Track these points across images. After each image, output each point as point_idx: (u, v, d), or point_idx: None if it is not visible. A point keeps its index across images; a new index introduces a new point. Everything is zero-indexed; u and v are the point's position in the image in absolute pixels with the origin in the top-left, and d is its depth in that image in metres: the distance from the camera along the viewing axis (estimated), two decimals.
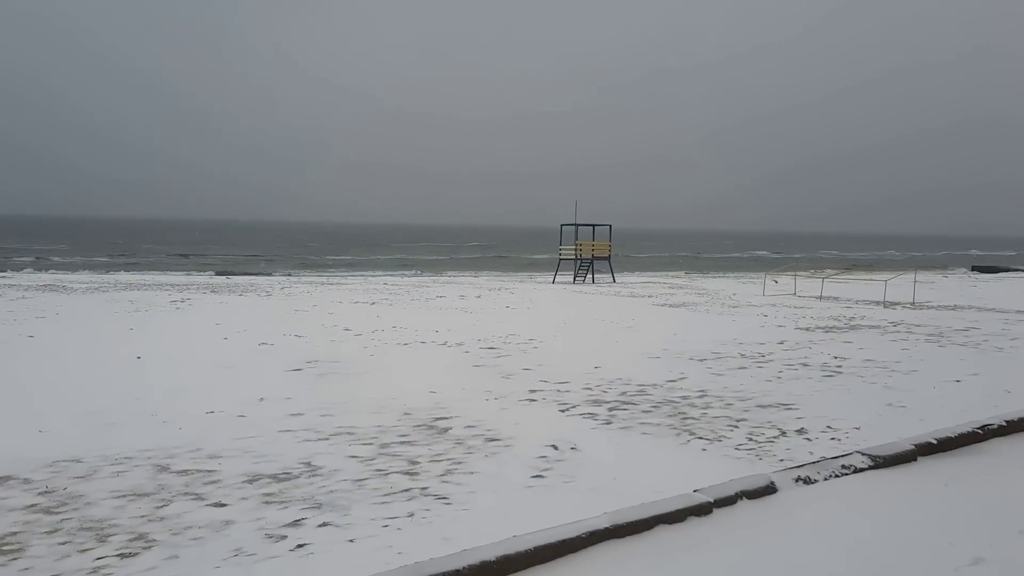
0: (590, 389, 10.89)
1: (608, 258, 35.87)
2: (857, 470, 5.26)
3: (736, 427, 8.74)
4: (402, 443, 7.86)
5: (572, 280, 35.11)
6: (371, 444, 7.78)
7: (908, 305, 24.64)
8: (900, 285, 30.82)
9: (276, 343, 14.73)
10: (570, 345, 15.22)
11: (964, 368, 12.64)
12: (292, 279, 34.81)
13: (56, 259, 56.16)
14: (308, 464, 7.04)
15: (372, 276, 40.15)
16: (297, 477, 6.63)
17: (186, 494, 6.13)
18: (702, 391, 10.82)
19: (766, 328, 18.37)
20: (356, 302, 23.42)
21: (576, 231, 35.96)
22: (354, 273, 44.40)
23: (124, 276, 35.74)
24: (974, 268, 69.19)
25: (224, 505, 5.87)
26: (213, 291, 25.94)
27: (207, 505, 5.86)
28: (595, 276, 36.29)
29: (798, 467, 5.06)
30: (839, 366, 12.87)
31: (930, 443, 5.86)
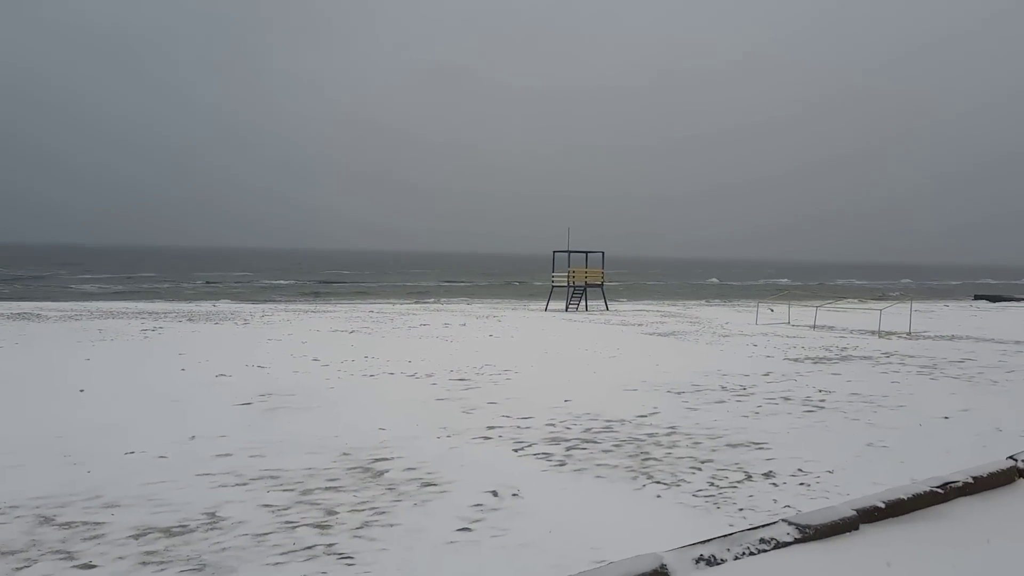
0: (553, 425, 10.19)
1: (601, 285, 35.19)
2: (779, 544, 4.12)
3: (699, 469, 8.03)
4: (328, 489, 7.16)
5: (564, 308, 34.40)
6: (293, 490, 7.09)
7: (904, 335, 23.90)
8: (899, 314, 30.08)
9: (235, 375, 14.06)
10: (545, 376, 14.53)
11: (955, 403, 11.91)
12: (278, 307, 34.15)
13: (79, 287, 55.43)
14: (212, 515, 6.34)
15: (363, 304, 39.50)
16: (192, 531, 5.94)
17: (57, 552, 5.44)
18: (672, 427, 10.11)
19: (754, 359, 17.66)
20: (335, 330, 22.76)
21: (568, 258, 35.32)
22: (347, 301, 43.78)
23: (107, 304, 35.12)
24: (977, 297, 68.41)
25: (92, 567, 5.18)
26: (190, 319, 25.31)
27: (73, 567, 5.17)
28: (588, 304, 35.60)
29: (703, 543, 4.09)
30: (822, 400, 12.15)
31: (876, 507, 4.69)
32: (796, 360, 17.34)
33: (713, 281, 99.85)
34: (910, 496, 4.93)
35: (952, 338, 23.20)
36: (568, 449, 8.89)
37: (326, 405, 11.42)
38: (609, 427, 10.13)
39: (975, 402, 12.02)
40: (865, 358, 17.79)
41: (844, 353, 18.81)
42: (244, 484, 7.25)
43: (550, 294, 36.41)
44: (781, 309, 34.13)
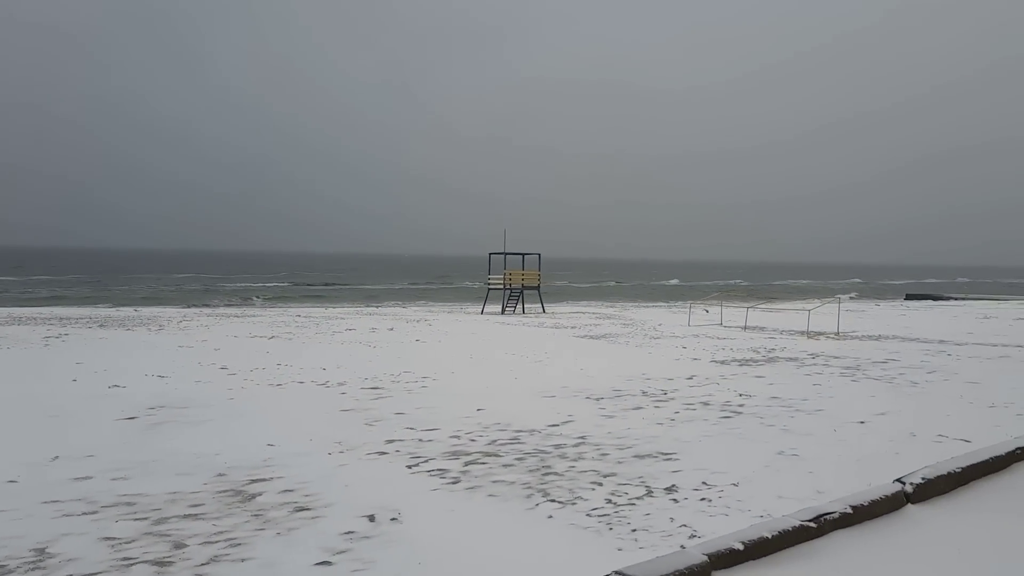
0: (458, 438, 9.64)
1: (538, 288, 34.77)
2: None
3: (600, 484, 7.56)
4: (186, 516, 6.48)
5: (501, 311, 33.89)
6: (145, 519, 6.39)
7: (832, 335, 23.97)
8: (831, 315, 30.27)
9: (131, 385, 13.19)
10: (463, 383, 13.98)
11: (873, 406, 11.71)
12: (203, 311, 32.93)
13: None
14: (40, 551, 5.63)
15: (296, 308, 38.43)
16: (9, 573, 5.22)
17: None
18: (582, 437, 9.65)
19: (680, 361, 17.37)
20: (253, 336, 21.86)
21: (504, 260, 34.80)
22: (283, 306, 42.59)
23: (23, 310, 33.46)
24: (907, 297, 70.04)
25: None
26: (102, 325, 24.10)
27: None
28: (525, 306, 35.15)
29: None
30: (741, 405, 11.84)
31: (733, 550, 4.27)
32: (722, 363, 17.10)
33: (674, 282, 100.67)
34: (776, 533, 4.41)
35: (879, 338, 23.34)
36: (467, 464, 8.34)
37: (219, 419, 10.68)
38: (517, 438, 9.62)
39: (893, 405, 11.85)
40: (791, 360, 17.65)
41: (771, 355, 18.67)
42: (93, 512, 6.53)
43: (486, 297, 35.84)
44: (717, 310, 34.17)
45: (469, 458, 8.62)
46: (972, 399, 12.43)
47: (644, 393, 12.99)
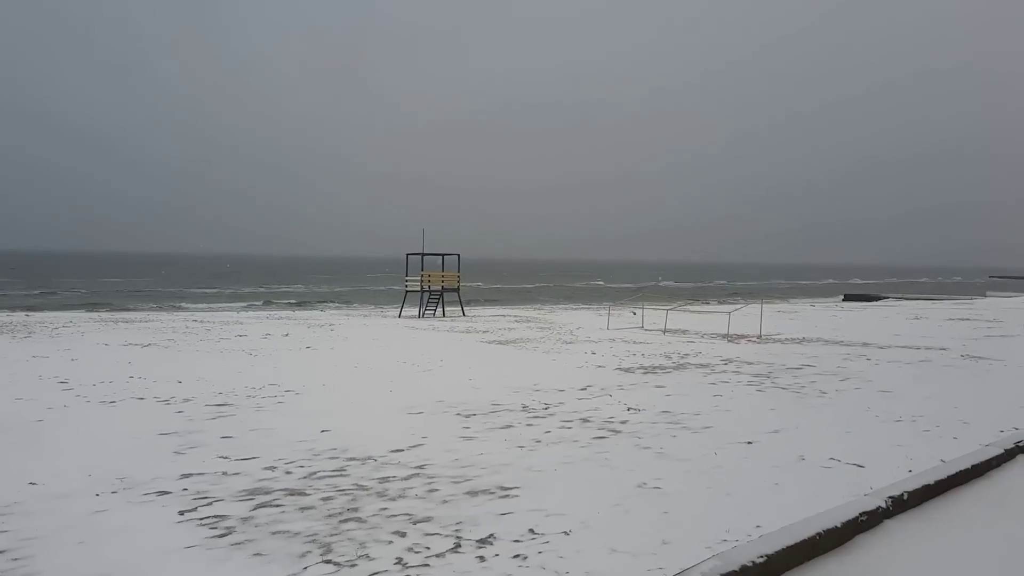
0: (272, 469, 8.12)
1: (457, 290, 33.26)
2: None
3: (403, 535, 6.11)
4: None
5: (419, 314, 32.30)
6: None
7: (754, 339, 22.96)
8: (768, 316, 29.36)
9: None
10: (325, 398, 12.45)
11: (769, 422, 10.50)
12: (92, 315, 30.70)
13: None
14: None
15: (195, 312, 36.33)
16: None
17: None
18: (420, 466, 8.21)
19: (583, 369, 16.06)
20: (128, 344, 19.96)
21: (422, 261, 33.17)
22: (184, 310, 40.37)
23: None
24: (845, 297, 70.31)
25: None
26: None
27: None
28: (446, 309, 33.61)
29: None
30: (624, 422, 10.52)
31: None
32: (627, 370, 15.84)
33: (598, 283, 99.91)
34: None
35: (802, 341, 22.42)
36: (256, 508, 6.82)
37: (3, 447, 8.97)
38: (343, 469, 8.13)
39: (792, 420, 10.66)
40: (701, 366, 16.48)
41: (683, 360, 17.49)
42: None
43: (403, 300, 34.12)
44: (650, 313, 33.07)
45: (266, 498, 7.10)
46: (880, 411, 11.32)
47: (524, 408, 11.62)
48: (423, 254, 32.80)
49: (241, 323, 27.23)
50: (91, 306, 40.91)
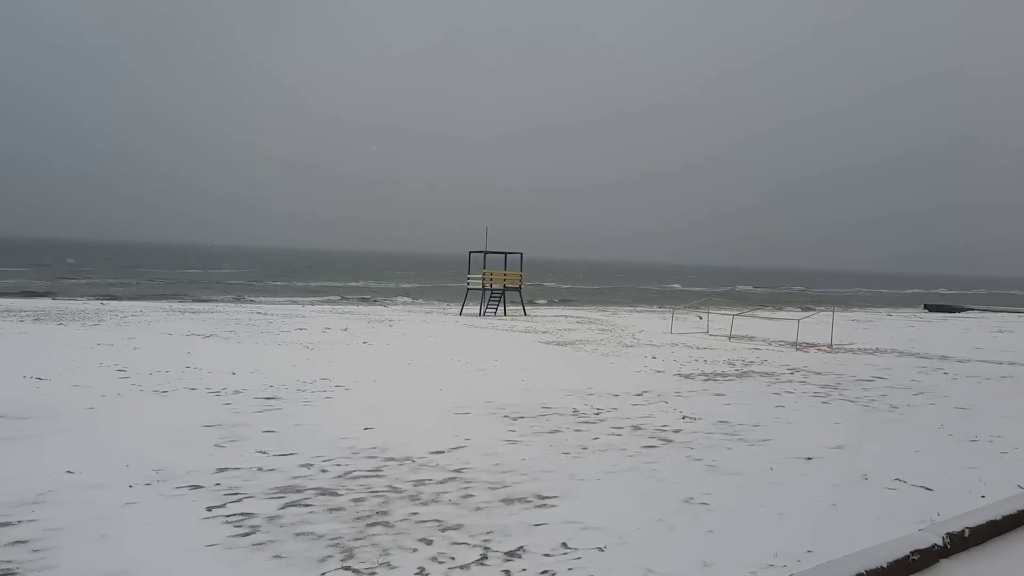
0: (308, 467, 7.96)
1: (519, 288, 32.97)
2: None
3: (430, 543, 5.82)
4: None
5: (480, 312, 32.15)
6: None
7: (824, 347, 22.01)
8: (839, 324, 28.22)
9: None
10: (376, 394, 12.33)
11: (833, 436, 9.87)
12: (154, 304, 31.48)
13: None
14: None
15: (258, 304, 36.93)
16: None
17: None
18: (459, 470, 7.93)
19: (641, 374, 15.58)
20: (190, 333, 20.31)
21: (484, 259, 33.01)
22: (250, 302, 41.15)
23: None
24: (926, 307, 67.45)
25: None
26: (37, 319, 22.65)
27: None
28: (507, 308, 33.37)
29: None
30: (677, 431, 10.04)
31: None
32: (686, 377, 15.28)
33: (674, 286, 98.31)
34: None
35: (875, 351, 21.38)
36: (284, 507, 6.64)
37: (50, 434, 9.06)
38: (379, 469, 7.91)
39: (858, 435, 10.00)
40: (766, 375, 15.80)
41: (747, 368, 16.82)
42: None
43: (465, 297, 34.05)
44: (716, 318, 32.20)
45: (296, 497, 6.92)
46: (954, 430, 10.55)
47: (575, 412, 11.24)
48: (486, 252, 32.66)
49: (303, 316, 27.54)
50: (166, 296, 42.07)
